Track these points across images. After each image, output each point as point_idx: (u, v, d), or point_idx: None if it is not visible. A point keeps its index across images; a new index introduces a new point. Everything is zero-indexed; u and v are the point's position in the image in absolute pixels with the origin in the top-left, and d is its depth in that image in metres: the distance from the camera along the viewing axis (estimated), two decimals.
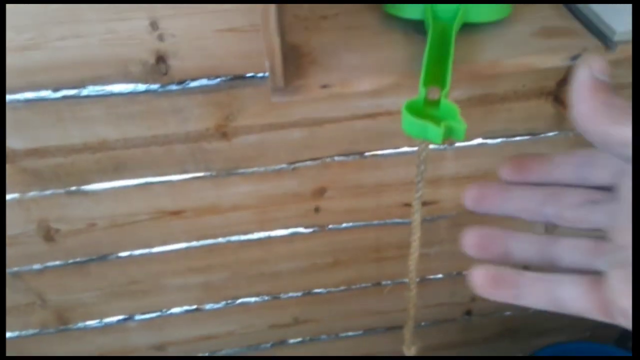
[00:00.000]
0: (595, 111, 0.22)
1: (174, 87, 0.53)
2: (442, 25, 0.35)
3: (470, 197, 0.29)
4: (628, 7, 0.35)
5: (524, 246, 0.27)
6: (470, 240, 0.28)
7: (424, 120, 0.29)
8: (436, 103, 0.31)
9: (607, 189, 0.26)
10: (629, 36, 0.33)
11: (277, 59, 0.32)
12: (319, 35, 0.38)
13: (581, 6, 0.37)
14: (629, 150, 0.21)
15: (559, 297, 0.25)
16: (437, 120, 0.29)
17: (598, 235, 0.26)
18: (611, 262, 0.24)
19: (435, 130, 0.28)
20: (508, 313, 0.92)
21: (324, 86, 0.34)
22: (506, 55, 0.35)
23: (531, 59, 0.34)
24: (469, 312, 0.90)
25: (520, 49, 0.35)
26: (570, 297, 0.24)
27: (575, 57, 0.35)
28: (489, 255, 0.28)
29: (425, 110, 0.31)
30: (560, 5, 0.39)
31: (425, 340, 0.95)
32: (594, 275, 0.25)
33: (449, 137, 0.29)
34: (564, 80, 0.52)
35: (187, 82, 0.53)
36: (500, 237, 0.28)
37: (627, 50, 0.33)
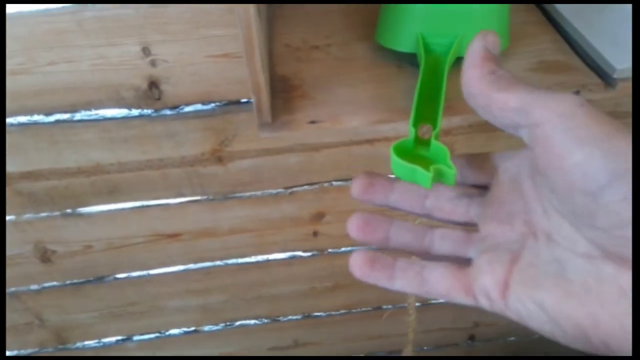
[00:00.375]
0: (482, 77, 0.24)
1: (167, 112, 0.52)
2: (435, 60, 0.34)
3: (358, 185, 0.29)
4: (629, 43, 0.34)
5: (402, 233, 0.29)
6: (355, 223, 0.28)
7: (413, 163, 0.27)
8: (427, 142, 0.29)
9: (482, 187, 0.29)
10: (629, 73, 0.32)
11: (263, 95, 0.31)
12: (310, 66, 0.37)
13: (580, 41, 0.36)
14: (506, 115, 0.23)
15: (427, 280, 0.26)
16: (426, 163, 0.27)
17: (471, 229, 0.28)
18: (479, 249, 0.27)
19: (424, 175, 0.27)
20: (512, 338, 0.90)
21: (313, 122, 0.33)
22: None
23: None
24: (472, 337, 0.88)
25: None
26: (436, 279, 0.26)
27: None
28: (370, 239, 0.29)
29: (416, 151, 0.30)
30: (559, 38, 0.37)
31: None
32: (462, 262, 0.27)
33: (438, 181, 0.28)
34: None
35: (181, 107, 0.52)
36: (382, 223, 0.29)
37: (627, 88, 0.32)
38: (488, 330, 0.87)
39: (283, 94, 0.35)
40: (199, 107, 0.52)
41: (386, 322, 0.81)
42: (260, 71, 0.29)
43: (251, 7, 0.27)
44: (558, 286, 0.23)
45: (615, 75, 0.33)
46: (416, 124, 0.30)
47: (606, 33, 0.35)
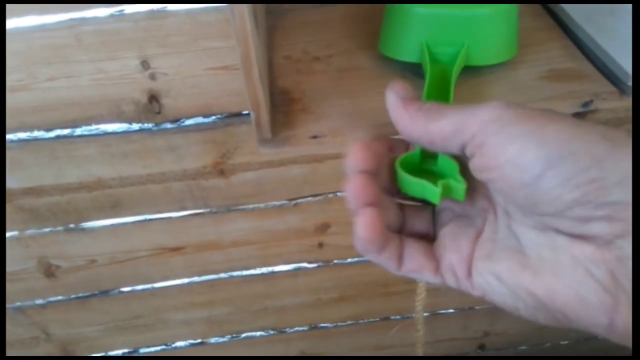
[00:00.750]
0: (413, 119, 0.25)
1: (168, 125, 0.51)
2: (441, 69, 0.32)
3: (365, 154, 0.27)
4: None
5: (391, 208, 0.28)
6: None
7: (420, 178, 0.26)
8: (434, 156, 0.28)
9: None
10: None
11: (262, 111, 0.30)
12: (311, 78, 0.36)
13: (592, 46, 0.34)
14: (449, 143, 0.24)
15: (402, 257, 0.26)
16: (434, 178, 0.26)
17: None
18: (439, 223, 0.28)
19: (432, 190, 0.26)
20: (523, 347, 0.88)
21: (314, 137, 0.32)
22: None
23: (537, 106, 0.31)
24: (482, 347, 0.87)
25: (525, 95, 0.32)
26: (409, 256, 0.26)
27: (586, 104, 0.32)
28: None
29: (423, 165, 0.29)
30: (570, 44, 0.36)
31: None
32: (432, 238, 0.28)
33: (447, 196, 0.27)
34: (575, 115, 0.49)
35: (181, 121, 0.51)
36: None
37: None
38: (498, 340, 0.86)
39: (283, 108, 0.34)
40: (199, 120, 0.51)
41: (395, 333, 0.80)
42: (259, 86, 0.29)
43: (248, 21, 0.26)
44: (513, 258, 0.24)
45: (630, 83, 0.31)
46: None
47: (620, 37, 0.34)
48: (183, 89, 0.48)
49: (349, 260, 0.68)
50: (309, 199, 0.60)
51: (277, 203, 0.60)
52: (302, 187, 0.59)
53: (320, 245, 0.66)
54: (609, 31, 0.35)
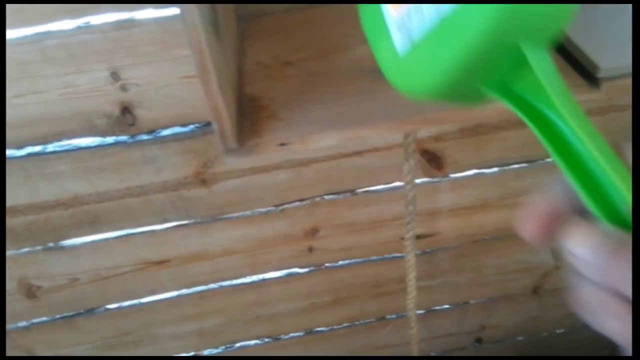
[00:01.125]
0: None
1: (144, 137, 0.50)
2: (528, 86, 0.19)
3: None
4: (614, 41, 0.31)
5: None
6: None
7: None
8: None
9: None
10: (614, 72, 0.29)
11: (224, 121, 0.28)
12: (281, 84, 0.35)
13: (563, 39, 0.33)
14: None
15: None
16: None
17: None
18: None
19: None
20: (520, 338, 0.87)
21: (282, 144, 0.31)
22: None
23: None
24: (479, 340, 0.86)
25: None
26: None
27: None
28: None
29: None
30: None
31: None
32: None
33: None
34: None
35: (158, 131, 0.50)
36: None
37: (613, 88, 0.29)
38: (495, 332, 0.85)
39: (251, 116, 0.32)
40: (177, 129, 0.50)
41: (390, 332, 0.79)
42: (219, 96, 0.27)
43: (201, 29, 0.24)
44: None
45: (599, 75, 0.30)
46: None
47: (589, 31, 0.33)
48: (157, 98, 0.47)
49: (340, 262, 0.67)
50: (296, 203, 0.59)
51: (263, 210, 0.59)
52: (288, 192, 0.57)
53: (310, 249, 0.64)
54: (579, 24, 0.34)
